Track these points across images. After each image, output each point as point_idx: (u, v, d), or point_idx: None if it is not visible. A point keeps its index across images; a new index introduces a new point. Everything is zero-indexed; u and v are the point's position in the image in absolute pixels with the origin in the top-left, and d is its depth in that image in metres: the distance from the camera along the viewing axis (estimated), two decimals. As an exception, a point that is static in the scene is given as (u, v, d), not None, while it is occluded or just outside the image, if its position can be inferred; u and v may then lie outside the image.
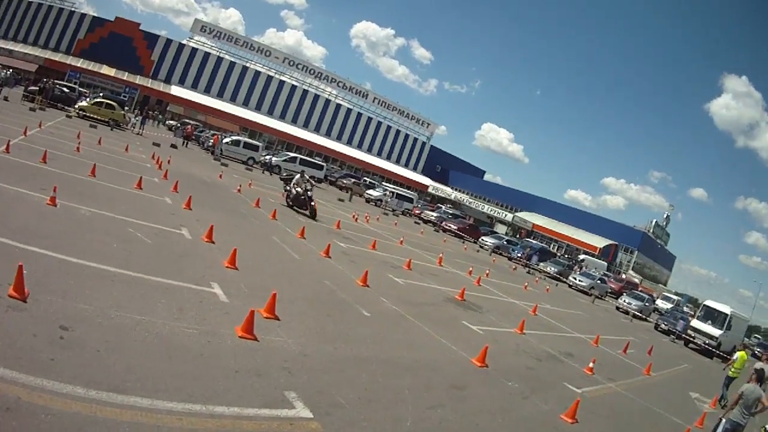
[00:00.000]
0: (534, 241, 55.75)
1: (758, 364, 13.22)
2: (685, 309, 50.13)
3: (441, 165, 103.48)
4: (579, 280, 39.56)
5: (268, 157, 46.31)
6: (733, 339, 29.14)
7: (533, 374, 11.18)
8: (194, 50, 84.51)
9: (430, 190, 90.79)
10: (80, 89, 50.54)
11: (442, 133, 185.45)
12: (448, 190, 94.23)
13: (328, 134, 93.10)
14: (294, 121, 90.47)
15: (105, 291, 7.27)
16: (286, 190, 24.89)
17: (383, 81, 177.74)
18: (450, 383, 8.51)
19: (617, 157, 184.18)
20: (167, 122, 66.89)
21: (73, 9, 77.07)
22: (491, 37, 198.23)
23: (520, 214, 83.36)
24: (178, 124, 57.37)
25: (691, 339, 28.99)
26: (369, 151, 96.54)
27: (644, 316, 36.14)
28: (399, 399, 7.14)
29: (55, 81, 47.19)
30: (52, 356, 5.15)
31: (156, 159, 25.18)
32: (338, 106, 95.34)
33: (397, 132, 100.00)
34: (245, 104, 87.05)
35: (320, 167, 48.29)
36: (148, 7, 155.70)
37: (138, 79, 75.12)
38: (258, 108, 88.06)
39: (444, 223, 48.75)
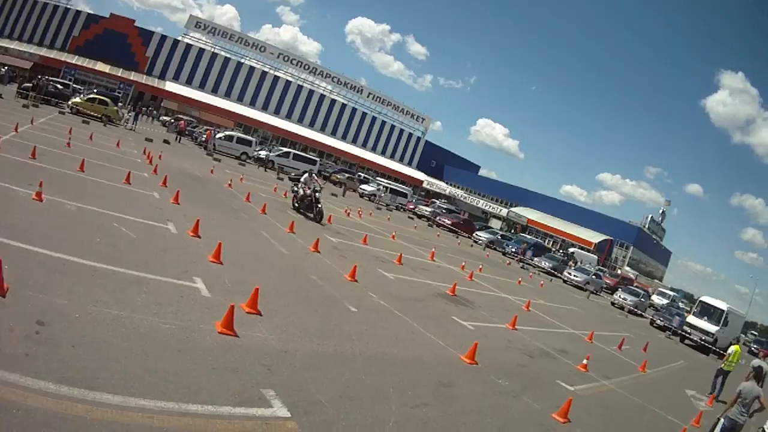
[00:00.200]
0: (528, 236, 55.71)
1: (755, 362, 13.07)
2: (681, 305, 50.00)
3: (436, 160, 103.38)
4: (574, 276, 39.47)
5: (263, 152, 46.18)
6: (730, 335, 29.06)
7: (525, 371, 10.94)
8: (189, 46, 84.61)
9: (424, 185, 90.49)
10: (74, 86, 50.56)
11: (438, 129, 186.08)
12: (442, 185, 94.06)
13: (322, 130, 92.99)
14: (289, 117, 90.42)
15: (85, 286, 7.12)
16: (293, 191, 23.35)
17: (378, 77, 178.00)
18: (437, 381, 8.28)
19: (613, 153, 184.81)
20: (161, 118, 66.54)
21: (68, 6, 76.98)
22: (487, 33, 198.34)
23: (515, 209, 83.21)
24: (172, 120, 57.10)
25: (687, 335, 28.89)
26: (364, 146, 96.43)
27: (640, 312, 36.10)
28: (382, 398, 6.92)
29: (49, 78, 47.04)
30: (27, 351, 5.03)
31: (147, 154, 24.93)
32: (333, 101, 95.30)
33: (392, 127, 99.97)
34: (240, 100, 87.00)
35: (313, 162, 48.03)
36: (144, 3, 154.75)
37: (133, 76, 75.24)
38: (253, 104, 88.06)
39: (438, 218, 48.60)
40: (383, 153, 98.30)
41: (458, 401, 7.83)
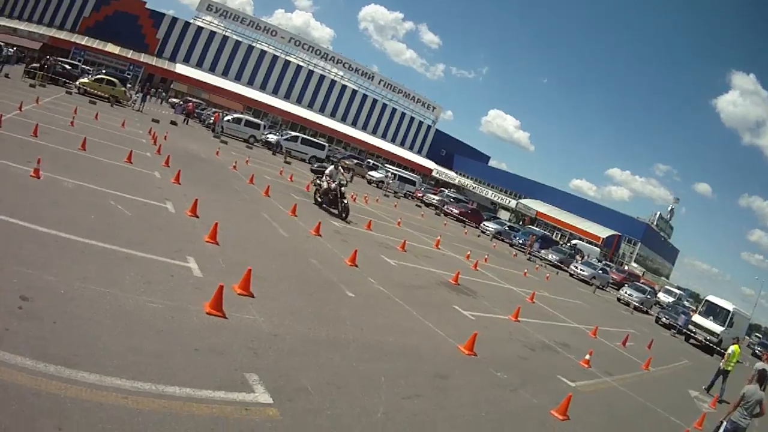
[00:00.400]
0: (536, 228, 55.35)
1: (759, 364, 12.81)
2: (686, 303, 49.57)
3: (446, 149, 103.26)
4: (580, 270, 39.05)
5: (272, 136, 45.94)
6: (735, 336, 28.69)
7: (525, 365, 10.64)
8: (200, 29, 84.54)
9: (434, 173, 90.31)
10: (83, 66, 50.37)
11: (449, 118, 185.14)
12: (452, 174, 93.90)
13: (332, 115, 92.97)
14: (299, 101, 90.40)
15: (74, 262, 6.99)
16: (316, 185, 21.49)
17: (390, 64, 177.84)
18: (432, 371, 7.99)
19: (623, 149, 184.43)
20: (170, 100, 66.47)
21: (79, -13, 76.52)
22: (500, 24, 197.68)
23: (523, 201, 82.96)
24: (180, 102, 56.94)
25: (692, 334, 28.53)
26: (374, 133, 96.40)
27: (645, 309, 35.72)
28: (372, 387, 6.64)
29: (58, 58, 46.95)
30: (8, 326, 4.91)
31: (152, 135, 24.73)
32: (344, 87, 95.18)
33: (403, 115, 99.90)
34: (250, 83, 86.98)
35: (322, 147, 47.80)
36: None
37: (143, 57, 75.16)
38: (263, 87, 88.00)
39: (446, 206, 48.18)
40: (393, 140, 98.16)
41: (453, 393, 7.53)
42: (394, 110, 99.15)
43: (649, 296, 38.63)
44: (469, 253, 24.23)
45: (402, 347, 8.59)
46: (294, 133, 49.07)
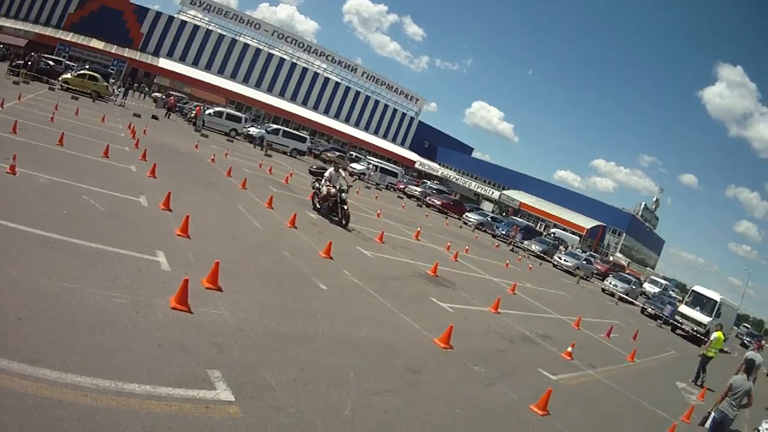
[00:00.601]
0: (519, 219, 55.42)
1: (748, 354, 12.87)
2: (672, 294, 49.79)
3: (429, 141, 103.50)
4: (564, 260, 38.92)
5: (253, 129, 45.84)
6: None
7: (504, 358, 10.49)
8: (183, 23, 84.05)
9: (417, 165, 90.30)
10: (67, 62, 50.14)
11: (433, 110, 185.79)
12: (435, 166, 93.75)
13: (315, 108, 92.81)
14: (282, 94, 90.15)
15: (42, 258, 6.92)
16: (314, 188, 20.01)
17: (375, 57, 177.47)
18: (405, 366, 7.85)
19: (607, 140, 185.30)
20: (153, 94, 66.04)
21: (63, -18, 75.69)
22: (485, 16, 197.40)
23: (507, 192, 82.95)
24: (162, 96, 56.62)
25: (679, 325, 28.64)
26: (357, 125, 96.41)
27: (631, 299, 35.77)
28: (341, 382, 6.52)
29: (42, 54, 46.74)
30: None
31: (131, 129, 24.47)
32: (327, 79, 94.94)
33: (386, 107, 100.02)
34: (233, 77, 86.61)
35: (303, 140, 47.91)
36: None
37: (127, 52, 74.43)
38: (246, 81, 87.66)
39: (428, 198, 48.09)
40: (376, 132, 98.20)
41: (426, 389, 7.37)
42: (377, 102, 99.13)
43: (634, 287, 38.80)
44: (449, 244, 24.14)
45: (374, 341, 8.49)
46: (275, 126, 49.00)
